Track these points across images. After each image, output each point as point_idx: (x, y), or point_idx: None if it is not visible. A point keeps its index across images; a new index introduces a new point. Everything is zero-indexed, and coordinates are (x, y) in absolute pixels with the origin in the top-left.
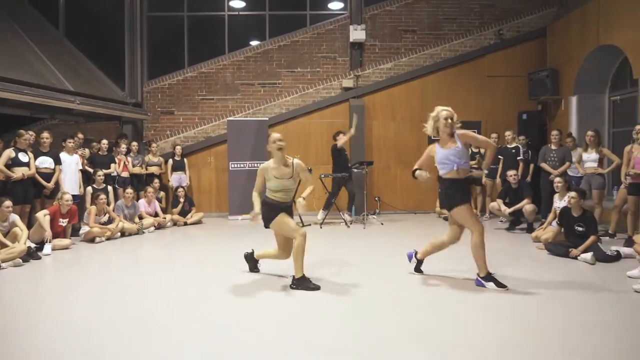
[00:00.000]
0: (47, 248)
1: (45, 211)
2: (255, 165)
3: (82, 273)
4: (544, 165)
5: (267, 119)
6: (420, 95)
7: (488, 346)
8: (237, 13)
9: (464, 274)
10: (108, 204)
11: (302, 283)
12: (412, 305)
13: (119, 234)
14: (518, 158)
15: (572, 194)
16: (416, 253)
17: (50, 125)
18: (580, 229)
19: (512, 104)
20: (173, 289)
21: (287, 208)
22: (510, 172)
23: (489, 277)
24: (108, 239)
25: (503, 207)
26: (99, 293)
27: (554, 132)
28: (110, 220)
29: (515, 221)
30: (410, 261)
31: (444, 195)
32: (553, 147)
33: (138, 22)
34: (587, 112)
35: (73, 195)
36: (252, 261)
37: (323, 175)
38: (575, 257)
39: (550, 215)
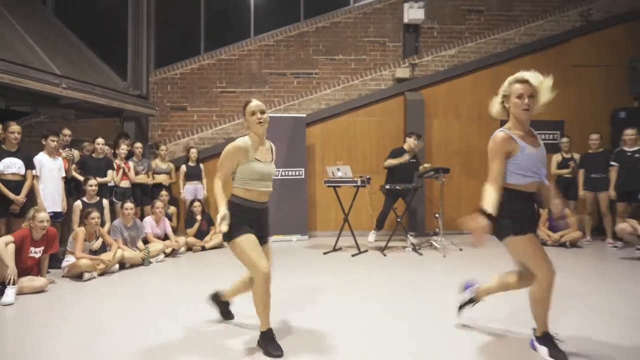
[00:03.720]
0: (10, 293)
1: (7, 237)
2: (290, 173)
3: (58, 332)
4: None
5: (304, 115)
6: (491, 88)
7: None
8: None
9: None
10: (102, 224)
11: (264, 341)
12: None
13: (116, 266)
14: None
15: None
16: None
17: (34, 124)
18: None
19: (602, 100)
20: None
21: (263, 215)
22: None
23: (548, 338)
24: (102, 273)
25: None
26: None
27: None
28: (105, 248)
29: None
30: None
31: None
32: None
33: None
34: None
35: (54, 213)
36: (220, 304)
37: (387, 186)
38: None
39: None
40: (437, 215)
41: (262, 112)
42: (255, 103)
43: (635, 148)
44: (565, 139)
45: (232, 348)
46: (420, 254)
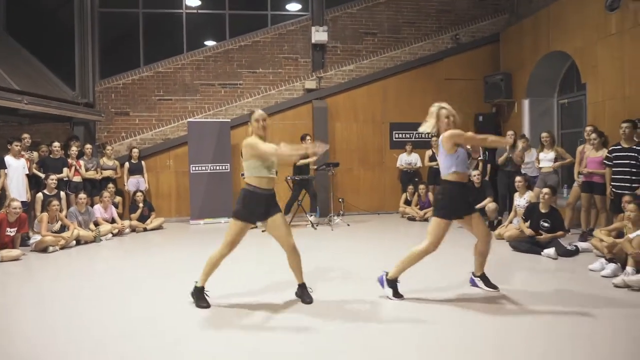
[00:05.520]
0: None
1: None
2: (218, 168)
3: (34, 287)
4: (501, 160)
5: (229, 120)
6: (382, 97)
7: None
8: (195, 11)
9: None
10: (60, 210)
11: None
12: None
13: (74, 242)
14: (479, 158)
15: (546, 190)
16: (386, 274)
17: None
18: (546, 224)
19: (468, 107)
20: (139, 301)
21: (271, 199)
22: (474, 172)
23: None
24: (62, 248)
25: None
26: (54, 309)
27: (509, 133)
28: (63, 229)
29: None
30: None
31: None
32: (507, 147)
33: (89, 17)
34: (538, 115)
35: (21, 202)
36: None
37: (289, 177)
38: (539, 247)
39: (511, 214)
40: (340, 199)
41: (264, 120)
42: (259, 112)
43: None
44: (434, 138)
45: (174, 307)
46: (315, 229)
